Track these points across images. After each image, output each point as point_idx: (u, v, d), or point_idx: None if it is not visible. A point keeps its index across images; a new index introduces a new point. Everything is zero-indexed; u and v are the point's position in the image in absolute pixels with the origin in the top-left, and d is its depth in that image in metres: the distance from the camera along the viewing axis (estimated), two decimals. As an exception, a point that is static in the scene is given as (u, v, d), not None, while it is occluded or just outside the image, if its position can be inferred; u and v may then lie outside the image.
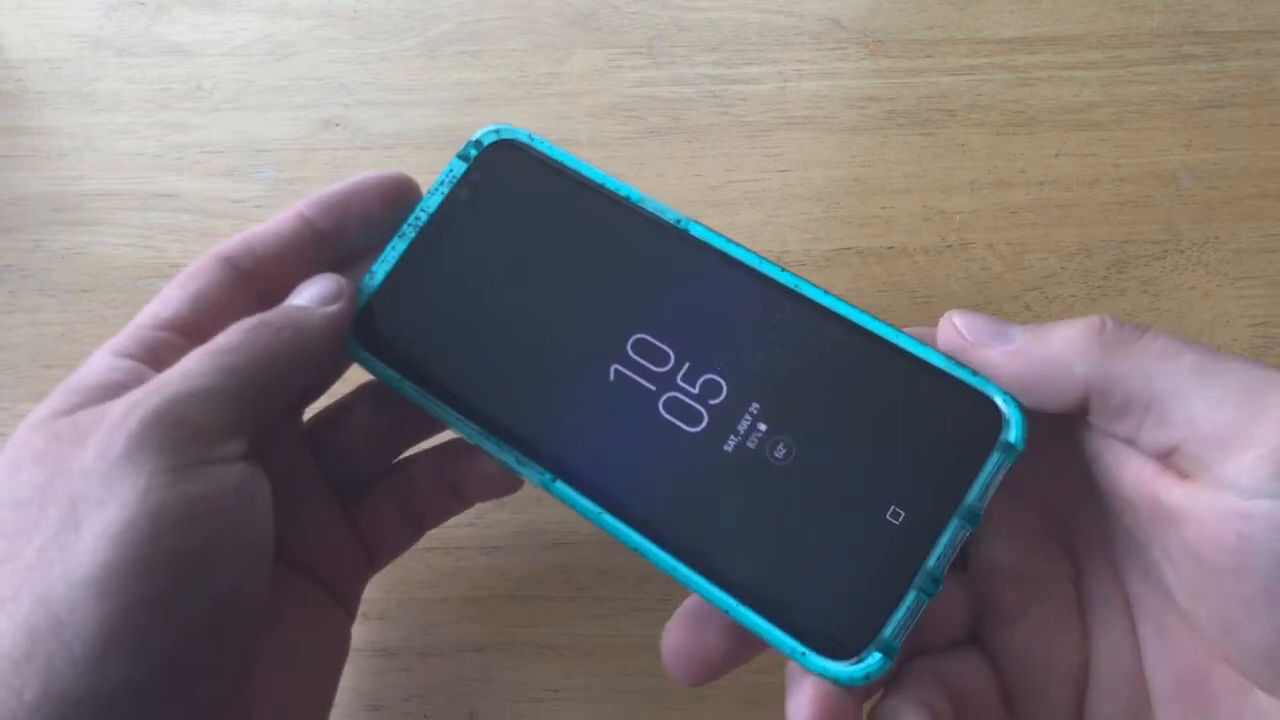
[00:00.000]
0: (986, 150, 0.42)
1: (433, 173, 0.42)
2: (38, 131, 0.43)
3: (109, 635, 0.21)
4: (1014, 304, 0.38)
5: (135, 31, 0.46)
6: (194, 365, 0.24)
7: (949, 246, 0.40)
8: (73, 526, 0.22)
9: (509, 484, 0.29)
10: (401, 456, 0.31)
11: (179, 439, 0.23)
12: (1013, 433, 0.24)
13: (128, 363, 0.26)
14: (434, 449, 0.31)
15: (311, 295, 0.27)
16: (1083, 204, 0.41)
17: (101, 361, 0.26)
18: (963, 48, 0.45)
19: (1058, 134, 0.43)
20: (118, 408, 0.23)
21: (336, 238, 0.29)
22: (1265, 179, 0.41)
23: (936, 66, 0.45)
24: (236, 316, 0.26)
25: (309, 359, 0.26)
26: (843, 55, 0.45)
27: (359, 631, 0.30)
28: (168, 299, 0.27)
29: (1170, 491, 0.23)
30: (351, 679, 0.31)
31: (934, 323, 0.28)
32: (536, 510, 0.33)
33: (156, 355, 0.26)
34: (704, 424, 0.26)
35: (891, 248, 0.40)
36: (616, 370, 0.26)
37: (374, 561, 0.30)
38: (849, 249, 0.40)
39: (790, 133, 0.43)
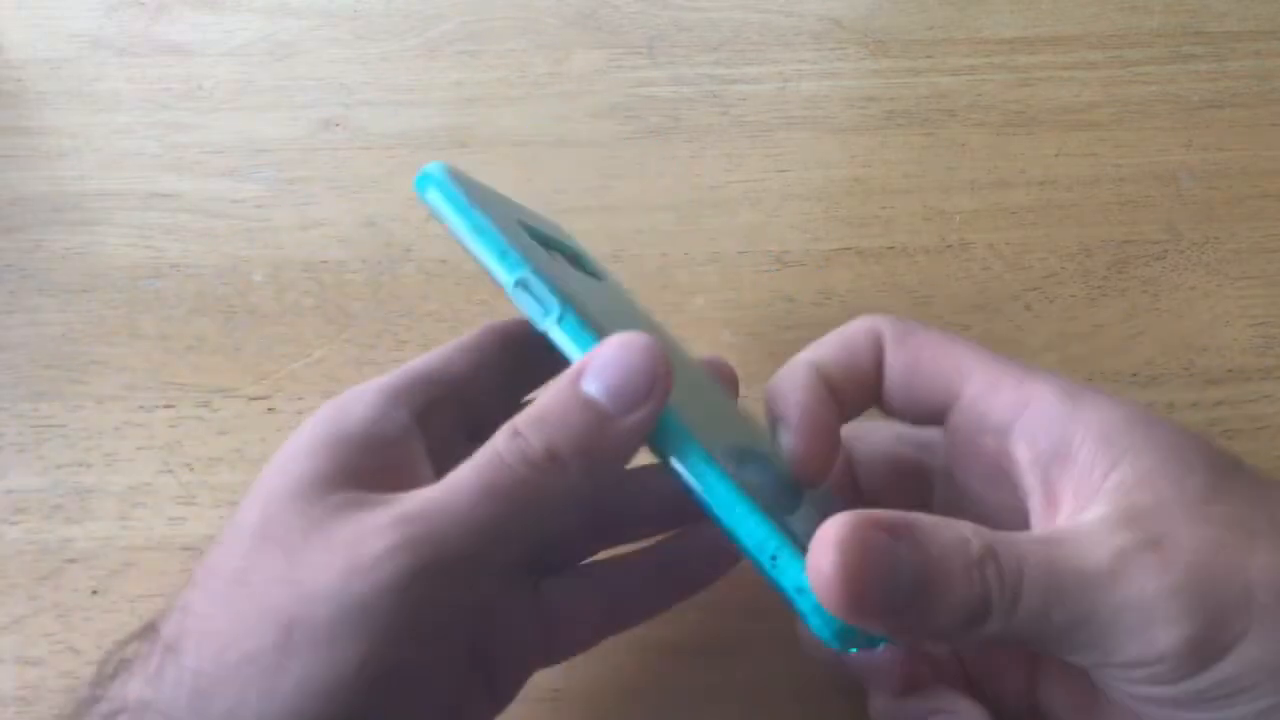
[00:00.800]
0: (986, 150, 0.42)
1: (433, 173, 0.42)
2: (38, 131, 0.43)
3: None
4: (1014, 304, 0.38)
5: (135, 31, 0.46)
6: (469, 509, 0.21)
7: (949, 246, 0.40)
8: (284, 654, 0.20)
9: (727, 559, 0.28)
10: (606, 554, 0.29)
11: (420, 609, 0.21)
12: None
13: (402, 416, 0.24)
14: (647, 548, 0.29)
15: (616, 383, 0.22)
16: (1083, 204, 0.41)
17: (374, 404, 0.24)
18: (963, 48, 0.45)
19: (1058, 134, 0.43)
20: (376, 542, 0.21)
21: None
22: (1265, 179, 0.41)
23: (936, 66, 0.45)
24: (507, 396, 0.26)
25: (601, 488, 0.24)
26: (843, 55, 0.45)
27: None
28: (449, 358, 0.26)
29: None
30: (351, 679, 0.31)
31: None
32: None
33: (429, 416, 0.25)
34: None
35: (891, 248, 0.40)
36: None
37: (551, 654, 0.28)
38: (849, 249, 0.40)
39: (790, 133, 0.43)
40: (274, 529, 0.22)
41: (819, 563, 0.20)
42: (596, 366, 0.22)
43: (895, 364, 0.26)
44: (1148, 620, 0.21)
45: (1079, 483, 0.23)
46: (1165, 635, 0.21)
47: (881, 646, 0.22)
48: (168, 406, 0.36)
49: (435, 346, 0.27)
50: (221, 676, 0.21)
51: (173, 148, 0.43)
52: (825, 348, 0.27)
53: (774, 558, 0.21)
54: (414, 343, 0.37)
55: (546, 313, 0.23)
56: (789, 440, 0.25)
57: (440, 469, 0.23)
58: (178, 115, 0.43)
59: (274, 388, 0.37)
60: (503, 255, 0.24)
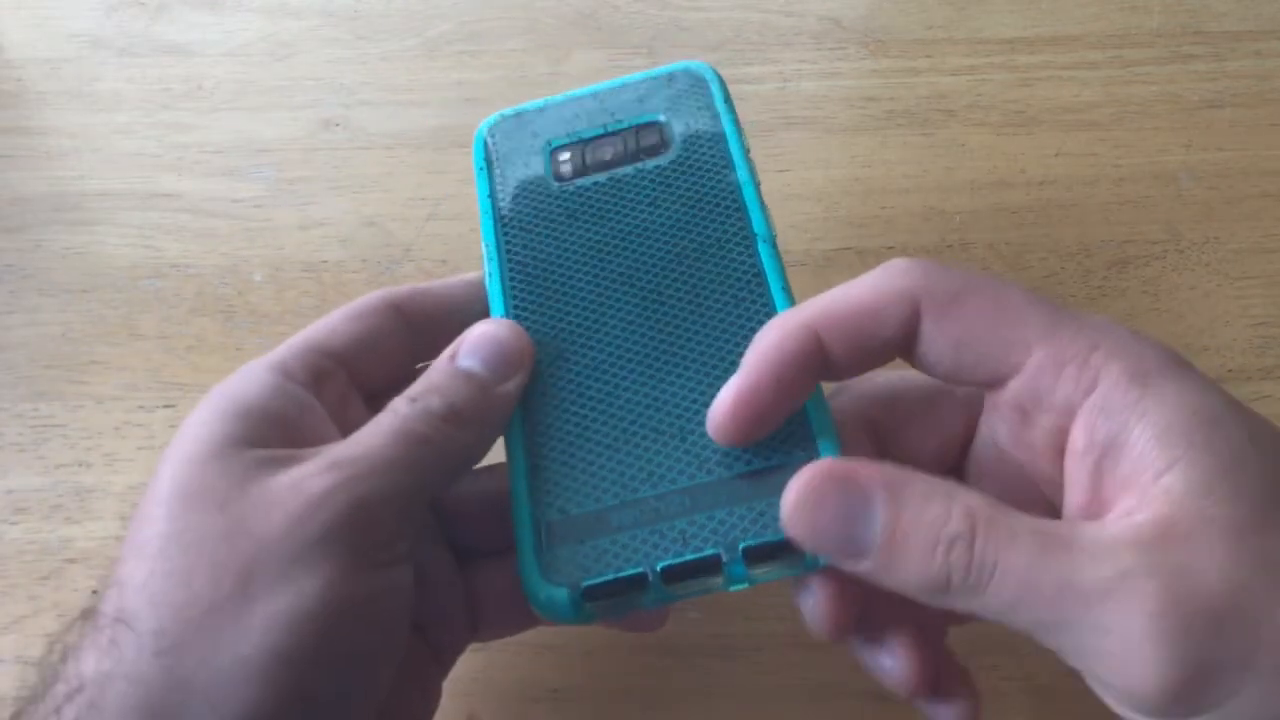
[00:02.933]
0: (986, 150, 0.42)
1: (433, 172, 0.42)
2: (38, 131, 0.43)
3: None
4: (1014, 304, 0.38)
5: (135, 31, 0.46)
6: (389, 453, 0.24)
7: (949, 246, 0.40)
8: (246, 598, 0.22)
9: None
10: None
11: (367, 538, 0.23)
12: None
13: (296, 389, 0.26)
14: None
15: (490, 358, 0.26)
16: (1083, 204, 0.41)
17: (268, 381, 0.25)
18: (963, 48, 0.45)
19: (1058, 134, 0.43)
20: (315, 485, 0.23)
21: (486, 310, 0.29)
22: (1265, 179, 0.41)
23: (936, 66, 0.45)
24: (393, 365, 0.27)
25: (486, 448, 0.26)
26: (843, 55, 0.45)
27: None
28: (335, 329, 0.27)
29: None
30: (351, 679, 0.31)
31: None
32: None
33: (320, 385, 0.26)
34: None
35: (891, 248, 0.40)
36: None
37: (479, 629, 0.29)
38: (849, 249, 0.40)
39: (790, 133, 0.43)
40: (197, 489, 0.23)
41: (788, 500, 0.22)
42: (469, 346, 0.26)
43: (938, 337, 0.24)
44: (1129, 652, 0.20)
45: (1128, 479, 0.22)
46: (1146, 674, 0.20)
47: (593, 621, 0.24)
48: (168, 406, 0.36)
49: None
50: (186, 631, 0.22)
51: (173, 148, 0.43)
52: (838, 307, 0.25)
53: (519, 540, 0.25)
54: (414, 343, 0.37)
55: (487, 283, 0.29)
56: (719, 397, 0.24)
57: (342, 431, 0.25)
58: (178, 115, 0.43)
59: (274, 388, 0.37)
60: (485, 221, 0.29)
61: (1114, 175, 0.42)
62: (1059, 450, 0.24)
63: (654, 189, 0.29)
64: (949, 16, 0.46)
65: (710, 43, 0.46)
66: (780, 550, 0.23)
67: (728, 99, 0.31)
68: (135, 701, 0.21)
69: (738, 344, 0.26)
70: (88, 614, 0.23)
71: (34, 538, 0.33)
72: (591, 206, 0.29)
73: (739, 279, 0.28)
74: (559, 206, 0.30)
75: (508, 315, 0.28)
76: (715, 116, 0.31)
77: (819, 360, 0.24)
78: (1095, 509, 0.23)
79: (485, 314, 0.29)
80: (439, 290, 0.29)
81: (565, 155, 0.31)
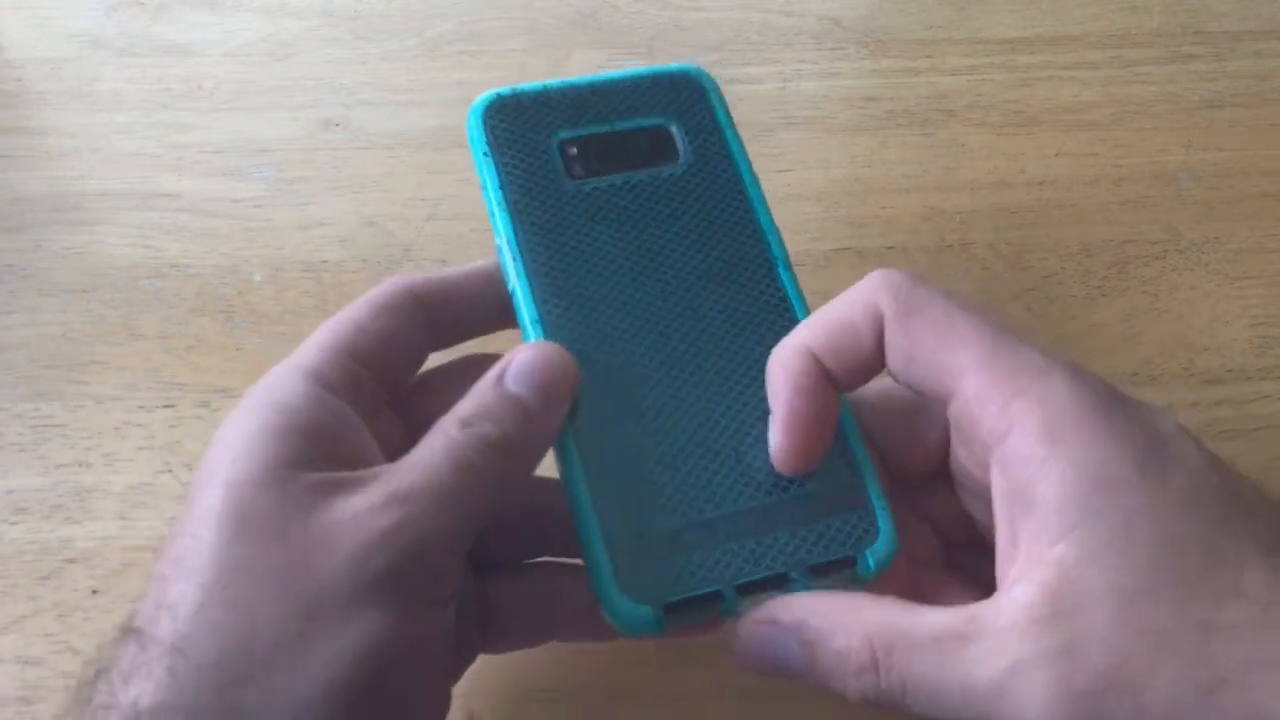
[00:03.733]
0: (986, 150, 0.42)
1: (433, 172, 0.42)
2: (38, 131, 0.43)
3: None
4: (1014, 304, 0.38)
5: (135, 31, 0.46)
6: (446, 486, 0.24)
7: (949, 246, 0.40)
8: (306, 638, 0.22)
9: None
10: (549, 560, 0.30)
11: (423, 579, 0.23)
12: (865, 565, 0.26)
13: (337, 403, 0.25)
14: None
15: (539, 384, 0.26)
16: (1083, 204, 0.41)
17: (308, 393, 0.25)
18: (963, 48, 0.45)
19: (1058, 134, 0.43)
20: (376, 522, 0.23)
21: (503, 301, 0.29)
22: (1265, 179, 0.41)
23: (936, 66, 0.45)
24: (414, 359, 0.27)
25: (526, 478, 0.26)
26: (843, 55, 0.45)
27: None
28: (364, 328, 0.27)
29: None
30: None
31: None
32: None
33: (357, 395, 0.26)
34: None
35: (891, 248, 0.40)
36: None
37: (491, 643, 0.29)
38: (849, 249, 0.40)
39: (790, 133, 0.43)
40: (255, 516, 0.23)
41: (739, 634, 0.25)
42: (518, 370, 0.25)
43: (894, 346, 0.26)
44: None
45: (1032, 537, 0.23)
46: None
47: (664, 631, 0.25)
48: (168, 406, 0.36)
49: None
50: (247, 669, 0.21)
51: (173, 148, 0.43)
52: (823, 326, 0.26)
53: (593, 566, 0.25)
54: (414, 343, 0.37)
55: (507, 281, 0.28)
56: (773, 436, 0.26)
57: (377, 443, 0.25)
58: (178, 115, 0.43)
59: (274, 388, 0.37)
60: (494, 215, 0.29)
61: (1114, 175, 0.42)
62: (989, 479, 0.25)
63: (671, 200, 0.30)
64: (949, 16, 0.46)
65: (710, 43, 0.46)
66: (837, 565, 0.26)
67: (727, 109, 0.32)
68: None
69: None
70: (132, 632, 0.23)
71: (34, 538, 0.33)
72: (611, 209, 0.29)
73: (766, 303, 0.29)
74: (577, 205, 0.29)
75: (541, 325, 0.27)
76: (718, 129, 0.31)
77: (825, 376, 0.26)
78: (1012, 552, 0.24)
79: (499, 307, 0.28)
80: (455, 279, 0.29)
81: (574, 149, 0.30)
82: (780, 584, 0.26)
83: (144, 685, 0.21)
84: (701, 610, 0.25)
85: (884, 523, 0.27)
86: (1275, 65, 0.44)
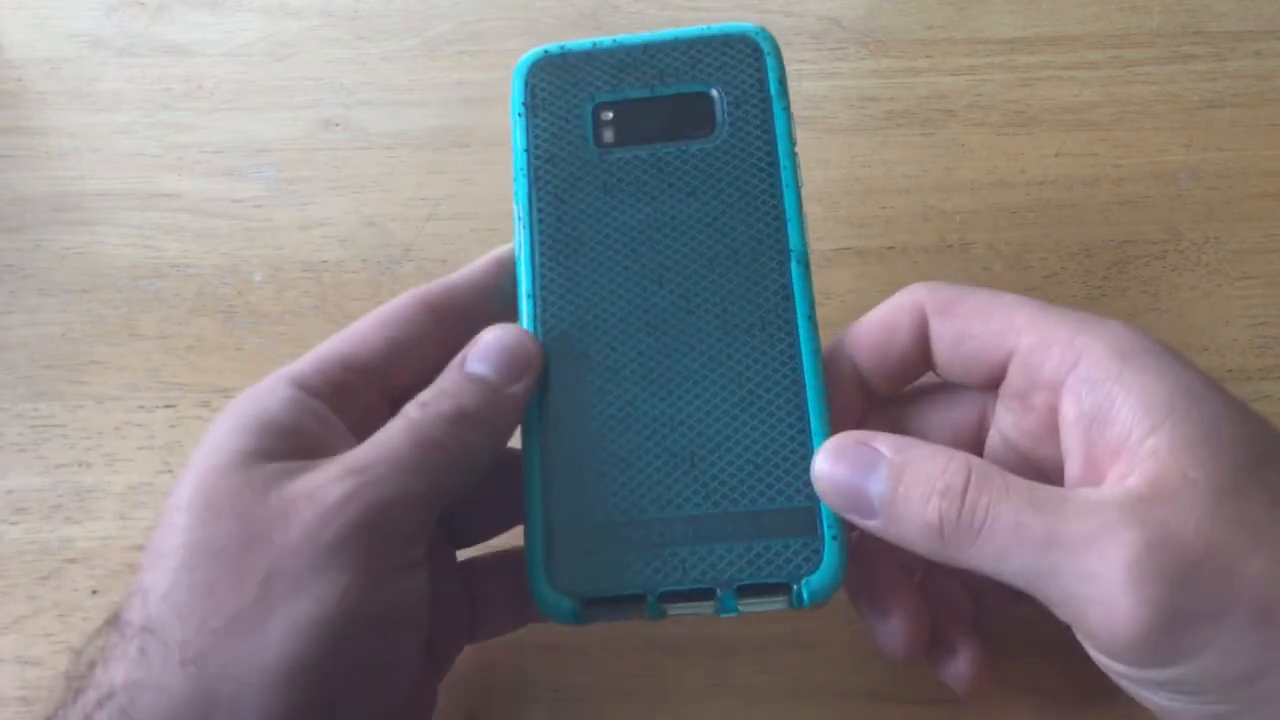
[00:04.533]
0: (986, 150, 0.42)
1: (433, 172, 0.42)
2: (38, 131, 0.43)
3: None
4: (1014, 304, 0.38)
5: (135, 31, 0.46)
6: (402, 457, 0.24)
7: (949, 246, 0.40)
8: (266, 606, 0.22)
9: None
10: None
11: (384, 543, 0.23)
12: (798, 595, 0.25)
13: (314, 403, 0.26)
14: None
15: (498, 363, 0.27)
16: (1083, 204, 0.41)
17: (287, 395, 0.26)
18: (963, 48, 0.45)
19: (1058, 134, 0.43)
20: (331, 492, 0.23)
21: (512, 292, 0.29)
22: (1265, 179, 0.41)
23: (936, 66, 0.45)
24: (426, 365, 0.27)
25: (496, 451, 0.27)
26: (843, 55, 0.45)
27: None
28: (366, 339, 0.27)
29: None
30: (351, 679, 0.31)
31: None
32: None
33: (342, 399, 0.26)
34: None
35: (891, 248, 0.40)
36: None
37: (476, 631, 0.30)
38: (849, 249, 0.40)
39: (790, 133, 0.43)
40: (219, 500, 0.23)
41: (816, 463, 0.25)
42: (478, 351, 0.27)
43: (943, 334, 0.27)
44: (1108, 599, 0.21)
45: (1116, 446, 0.23)
46: (1123, 620, 0.21)
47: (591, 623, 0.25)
48: (168, 406, 0.36)
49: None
50: (209, 642, 0.22)
51: (173, 148, 0.43)
52: (864, 331, 0.28)
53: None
54: (414, 343, 0.37)
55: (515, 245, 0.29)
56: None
57: (364, 438, 0.26)
58: (178, 115, 0.43)
59: (274, 388, 0.37)
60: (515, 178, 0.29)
61: (1114, 175, 0.42)
62: (1055, 429, 0.25)
63: (695, 177, 0.29)
64: (949, 16, 0.46)
65: (710, 43, 0.46)
66: (769, 589, 0.25)
67: (782, 78, 0.30)
68: (163, 712, 0.22)
69: (753, 371, 0.27)
70: (113, 622, 0.24)
71: (34, 538, 0.33)
72: (630, 183, 0.29)
73: (767, 300, 0.28)
74: (597, 176, 0.29)
75: (534, 296, 0.28)
76: (766, 100, 0.30)
77: (859, 381, 0.28)
78: (1091, 477, 0.24)
79: (511, 294, 0.28)
80: (467, 281, 0.29)
81: (609, 115, 0.30)
82: (708, 598, 0.25)
83: (118, 666, 0.22)
84: (624, 609, 0.25)
85: (830, 554, 0.25)
86: (1275, 65, 0.44)
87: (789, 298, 0.28)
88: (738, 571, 0.25)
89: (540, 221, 0.28)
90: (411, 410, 0.25)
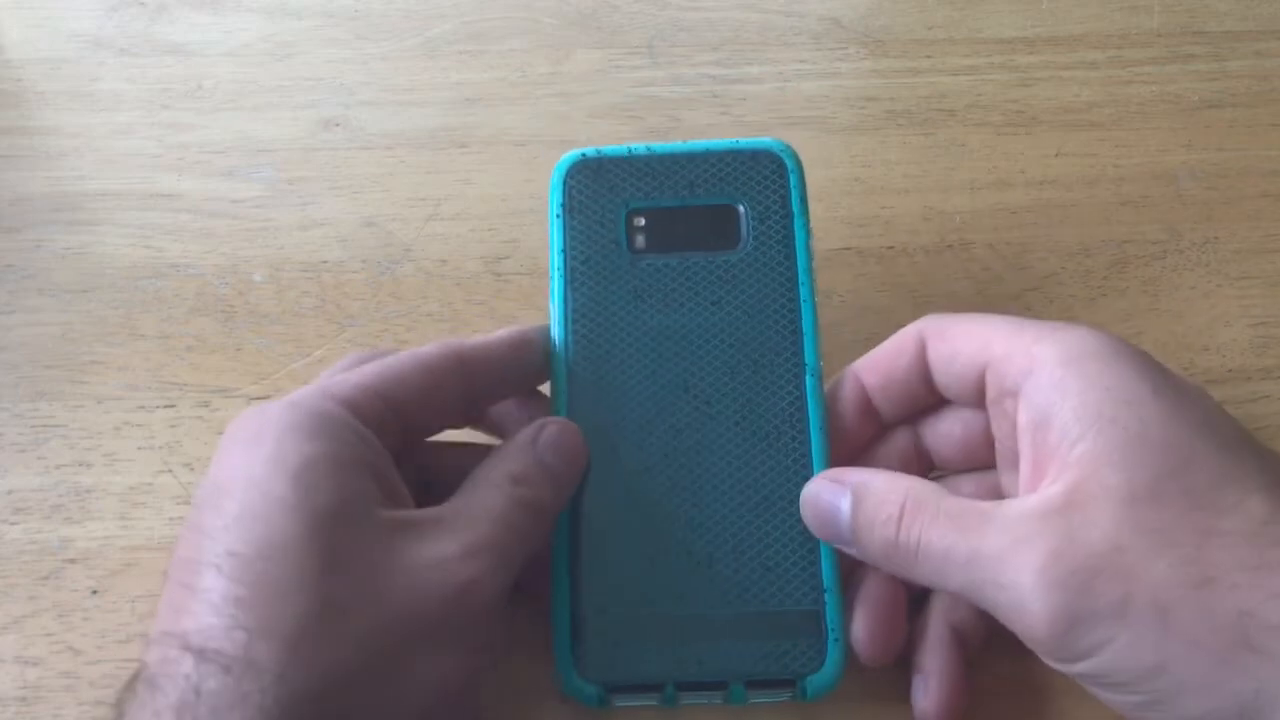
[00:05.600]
0: (986, 150, 0.42)
1: (433, 172, 0.42)
2: (38, 131, 0.43)
3: None
4: (1014, 304, 0.38)
5: (135, 31, 0.46)
6: (507, 541, 0.26)
7: (949, 246, 0.40)
8: (399, 669, 0.24)
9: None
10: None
11: (487, 629, 0.26)
12: (802, 691, 0.28)
13: (375, 440, 0.26)
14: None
15: (566, 459, 0.29)
16: (1083, 204, 0.41)
17: (353, 426, 0.26)
18: (963, 48, 0.45)
19: (1058, 134, 0.43)
20: (460, 572, 0.25)
21: (522, 376, 0.31)
22: (1265, 179, 0.41)
23: (936, 66, 0.45)
24: (445, 415, 0.29)
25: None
26: (843, 55, 0.45)
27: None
28: (405, 379, 0.28)
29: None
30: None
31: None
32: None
33: (384, 437, 0.27)
34: None
35: (891, 248, 0.40)
36: None
37: None
38: (849, 249, 0.40)
39: (790, 133, 0.43)
40: (343, 551, 0.24)
41: (801, 498, 0.29)
42: (550, 443, 0.29)
43: (939, 357, 0.29)
44: (1022, 604, 0.24)
45: (1054, 450, 0.25)
46: (1034, 622, 0.23)
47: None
48: (168, 406, 0.36)
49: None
50: (347, 699, 0.23)
51: (173, 148, 0.43)
52: (871, 359, 0.31)
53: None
54: (414, 343, 0.37)
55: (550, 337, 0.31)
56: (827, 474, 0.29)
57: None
58: (178, 115, 0.43)
59: (274, 388, 0.37)
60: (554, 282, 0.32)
61: (1114, 175, 0.42)
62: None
63: (720, 288, 0.31)
64: (949, 16, 0.46)
65: (710, 43, 0.46)
66: (777, 684, 0.28)
67: (803, 194, 0.33)
68: None
69: (768, 479, 0.29)
70: (197, 651, 0.22)
71: (34, 538, 0.33)
72: (659, 290, 0.31)
73: (783, 411, 0.30)
74: (628, 281, 0.31)
75: (566, 394, 0.30)
76: (789, 216, 0.32)
77: (869, 403, 0.30)
78: (1036, 479, 0.26)
79: (533, 374, 0.30)
80: (496, 347, 0.30)
81: (641, 221, 0.32)
82: (721, 688, 0.28)
83: (244, 714, 0.22)
84: (643, 695, 0.28)
85: (832, 654, 0.28)
86: (1275, 65, 0.44)
87: (803, 410, 0.30)
88: (749, 667, 0.28)
89: (574, 323, 0.31)
90: (505, 483, 0.27)
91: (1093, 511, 0.23)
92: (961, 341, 0.28)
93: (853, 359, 0.36)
